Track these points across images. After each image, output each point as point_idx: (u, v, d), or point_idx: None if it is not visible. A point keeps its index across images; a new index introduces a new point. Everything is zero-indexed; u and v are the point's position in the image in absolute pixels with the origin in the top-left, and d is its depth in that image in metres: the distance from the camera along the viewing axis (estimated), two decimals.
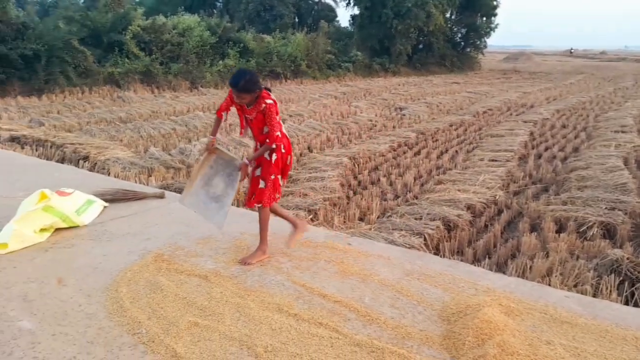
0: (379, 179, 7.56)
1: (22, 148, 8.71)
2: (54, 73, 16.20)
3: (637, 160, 8.55)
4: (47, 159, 7.84)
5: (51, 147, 8.72)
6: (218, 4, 41.17)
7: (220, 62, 21.65)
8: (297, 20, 38.85)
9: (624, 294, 3.91)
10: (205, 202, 3.63)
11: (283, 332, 2.73)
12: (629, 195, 6.20)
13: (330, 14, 41.70)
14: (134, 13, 20.86)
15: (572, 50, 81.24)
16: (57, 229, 4.13)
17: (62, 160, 8.01)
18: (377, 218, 5.81)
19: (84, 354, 2.51)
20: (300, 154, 9.04)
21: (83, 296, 3.09)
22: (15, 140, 9.24)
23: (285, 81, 23.24)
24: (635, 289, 3.97)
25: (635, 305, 3.72)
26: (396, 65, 31.53)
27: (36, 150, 8.54)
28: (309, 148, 9.59)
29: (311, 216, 5.62)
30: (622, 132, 11.08)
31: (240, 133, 3.80)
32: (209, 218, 3.67)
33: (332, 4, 42.54)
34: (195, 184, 3.64)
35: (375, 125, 12.30)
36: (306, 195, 6.38)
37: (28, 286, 3.20)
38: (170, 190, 5.78)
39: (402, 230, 5.17)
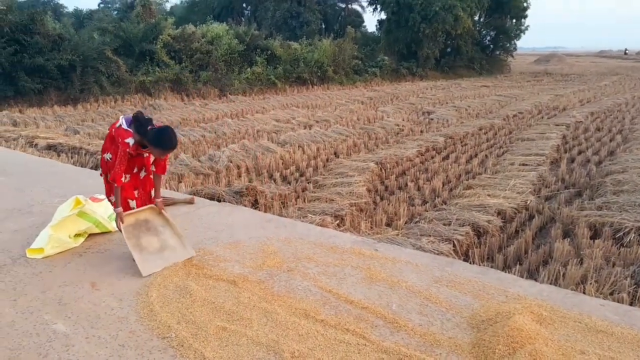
0: (406, 184, 7.50)
1: (59, 156, 9.01)
2: (89, 82, 16.73)
3: None
4: (81, 166, 8.08)
5: (85, 154, 8.99)
6: (246, 12, 41.79)
7: (249, 69, 21.94)
8: (323, 26, 39.08)
9: None
10: (160, 257, 3.66)
11: (310, 338, 2.73)
12: None
13: (357, 19, 41.82)
14: (164, 23, 21.38)
15: (627, 51, 76.36)
16: (91, 235, 4.25)
17: (96, 168, 8.24)
18: (405, 224, 5.76)
19: (115, 357, 2.57)
20: (327, 159, 9.06)
21: (115, 300, 3.16)
22: (52, 148, 9.57)
23: (312, 87, 23.35)
24: None
25: None
26: (424, 69, 31.30)
27: (71, 158, 8.82)
28: (335, 153, 9.60)
29: (337, 221, 5.61)
30: None
31: (120, 177, 3.65)
32: (176, 259, 3.72)
33: (359, 9, 42.69)
34: (137, 256, 3.59)
35: (403, 130, 12.21)
36: (332, 200, 6.38)
37: (63, 290, 3.30)
38: (200, 196, 5.87)
39: (430, 236, 5.10)
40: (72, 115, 13.99)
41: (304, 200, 6.59)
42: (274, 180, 7.74)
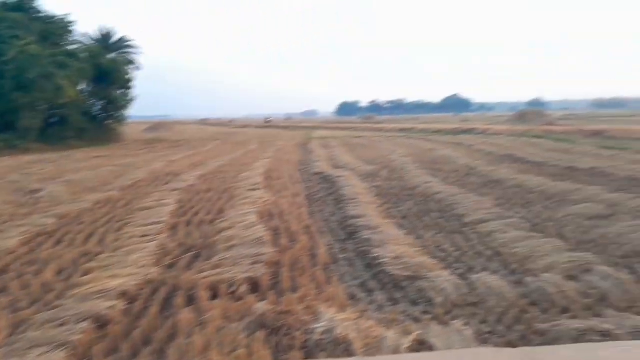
0: (6, 287, 6.19)
1: None
2: None
3: (267, 213, 9.90)
4: None
5: None
6: None
7: None
8: None
9: (274, 345, 4.26)
10: None
11: None
12: (264, 246, 7.04)
13: None
14: None
15: (269, 120, 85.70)
16: None
17: None
18: (9, 338, 4.67)
19: None
20: None
21: None
22: None
23: None
24: (284, 335, 4.39)
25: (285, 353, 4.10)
26: (26, 142, 27.89)
27: None
28: None
29: None
30: (255, 189, 12.76)
31: None
32: None
33: None
34: None
35: (1, 216, 10.28)
36: None
37: None
38: None
39: (43, 345, 4.29)
40: None
41: None
42: None
